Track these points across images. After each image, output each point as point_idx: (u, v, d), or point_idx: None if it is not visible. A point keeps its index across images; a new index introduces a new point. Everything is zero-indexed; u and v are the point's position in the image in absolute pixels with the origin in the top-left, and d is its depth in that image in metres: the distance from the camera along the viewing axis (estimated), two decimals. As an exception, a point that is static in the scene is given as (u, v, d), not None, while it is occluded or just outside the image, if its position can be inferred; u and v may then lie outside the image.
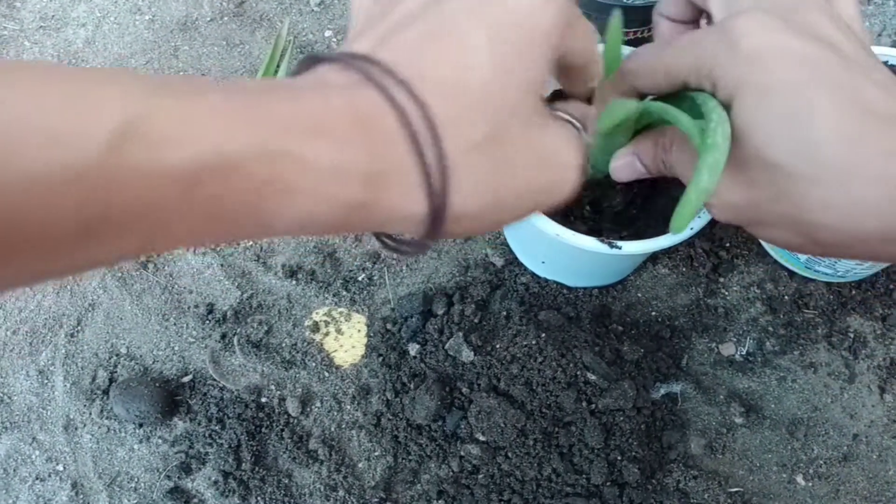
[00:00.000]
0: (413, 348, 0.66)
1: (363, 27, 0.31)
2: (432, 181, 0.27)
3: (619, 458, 0.62)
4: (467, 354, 0.65)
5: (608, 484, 0.61)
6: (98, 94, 0.22)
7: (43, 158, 0.20)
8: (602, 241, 0.53)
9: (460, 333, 0.65)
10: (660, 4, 0.44)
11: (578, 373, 0.63)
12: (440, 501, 0.61)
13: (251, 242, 0.73)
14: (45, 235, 0.21)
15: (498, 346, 0.65)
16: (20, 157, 0.20)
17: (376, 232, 0.32)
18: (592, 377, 0.63)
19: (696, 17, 0.44)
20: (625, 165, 0.42)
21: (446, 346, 0.65)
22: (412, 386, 0.64)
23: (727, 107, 0.34)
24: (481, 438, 0.62)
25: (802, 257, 0.65)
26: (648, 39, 0.67)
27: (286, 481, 0.63)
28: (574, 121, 0.37)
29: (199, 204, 0.23)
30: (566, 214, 0.58)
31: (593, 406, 0.62)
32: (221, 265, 0.72)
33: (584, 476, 0.61)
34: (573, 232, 0.53)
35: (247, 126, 0.24)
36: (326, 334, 0.69)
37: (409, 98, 0.27)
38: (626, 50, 0.59)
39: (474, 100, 0.29)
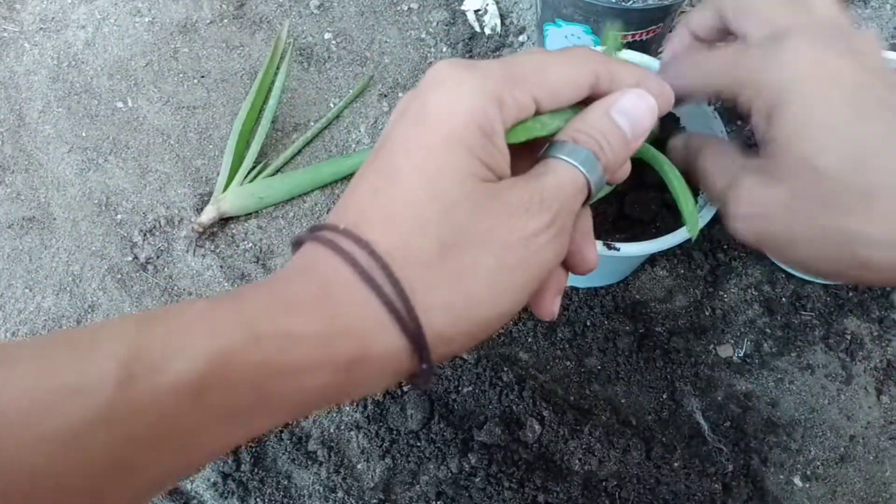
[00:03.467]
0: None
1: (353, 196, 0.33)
2: (406, 326, 0.28)
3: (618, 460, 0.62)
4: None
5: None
6: (95, 343, 0.24)
7: (60, 417, 0.22)
8: (600, 242, 0.53)
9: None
10: (688, 18, 0.45)
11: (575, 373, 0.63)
12: (439, 502, 0.61)
13: (250, 244, 0.73)
14: (73, 484, 0.23)
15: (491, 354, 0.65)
16: (43, 418, 0.22)
17: (383, 386, 0.33)
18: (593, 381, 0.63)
19: (721, 39, 0.44)
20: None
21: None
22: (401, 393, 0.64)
23: (768, 115, 0.35)
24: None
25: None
26: (646, 43, 0.67)
27: (285, 482, 0.63)
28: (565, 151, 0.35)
29: (212, 407, 0.25)
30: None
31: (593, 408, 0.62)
32: (221, 266, 0.72)
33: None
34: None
35: (231, 320, 0.26)
36: (325, 336, 0.69)
37: (353, 242, 0.29)
38: (628, 54, 0.60)
39: (411, 220, 0.30)
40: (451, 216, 0.30)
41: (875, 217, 0.32)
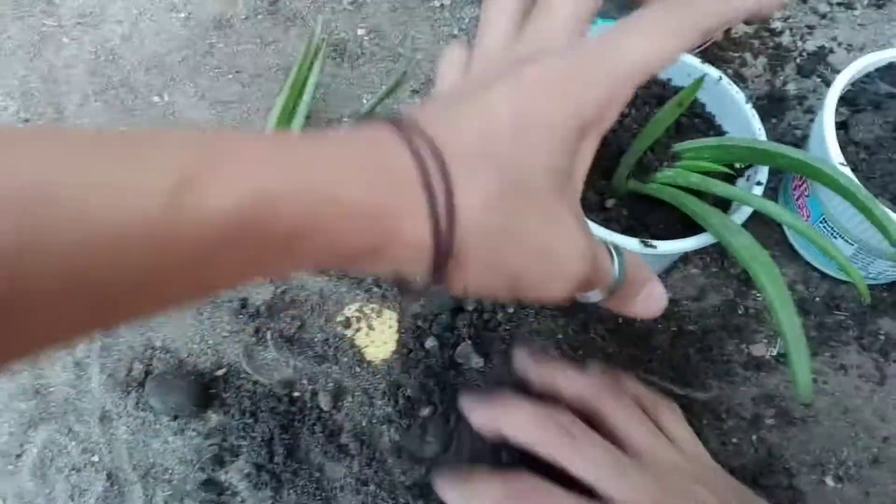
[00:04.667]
0: (431, 343, 0.67)
1: (432, 99, 0.35)
2: (440, 224, 0.30)
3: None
4: (476, 361, 0.65)
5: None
6: (155, 152, 0.25)
7: (113, 213, 0.22)
8: (636, 240, 0.53)
9: (468, 340, 0.66)
10: None
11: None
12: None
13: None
14: (111, 287, 0.23)
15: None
16: (93, 213, 0.22)
17: (396, 275, 0.34)
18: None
19: None
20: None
21: (454, 354, 0.66)
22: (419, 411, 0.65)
23: None
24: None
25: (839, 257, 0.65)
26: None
27: (318, 475, 0.64)
28: (615, 255, 0.39)
29: (244, 246, 0.26)
30: (601, 213, 0.58)
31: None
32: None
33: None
34: (607, 230, 0.53)
35: (284, 168, 0.27)
36: (358, 330, 0.69)
37: (431, 152, 0.30)
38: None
39: (491, 160, 0.31)
40: (521, 176, 0.32)
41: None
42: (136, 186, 0.23)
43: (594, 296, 0.40)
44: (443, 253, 0.30)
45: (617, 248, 0.40)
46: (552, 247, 0.34)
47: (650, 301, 0.42)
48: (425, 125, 0.31)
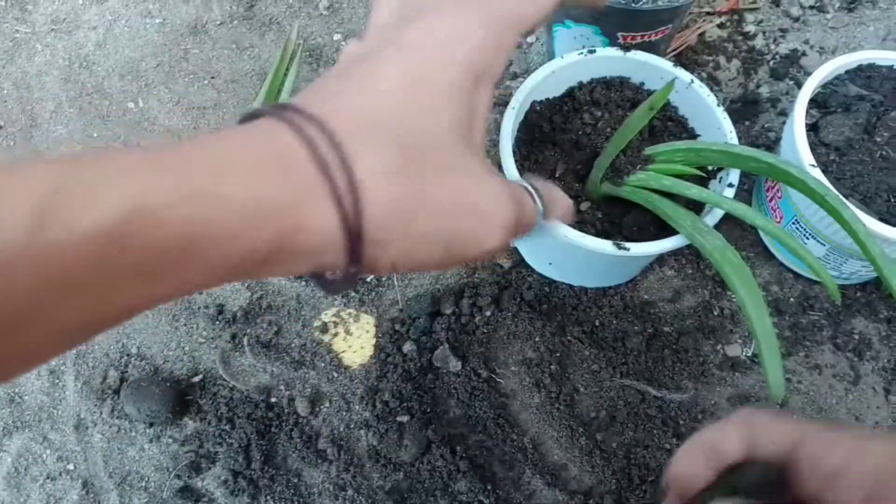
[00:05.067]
0: (408, 348, 0.67)
1: (319, 80, 0.34)
2: (343, 202, 0.28)
3: (626, 463, 0.62)
4: (454, 364, 0.65)
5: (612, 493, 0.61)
6: (12, 181, 0.23)
7: None
8: (610, 242, 0.54)
9: (446, 344, 0.66)
10: (703, 440, 0.37)
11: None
12: (444, 501, 0.62)
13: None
14: None
15: (499, 353, 0.65)
16: None
17: (313, 272, 0.32)
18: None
19: None
20: None
21: (432, 358, 0.66)
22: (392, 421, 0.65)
23: None
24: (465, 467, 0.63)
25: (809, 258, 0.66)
26: (655, 44, 0.67)
27: (295, 481, 0.64)
28: (535, 193, 0.39)
29: (128, 261, 0.24)
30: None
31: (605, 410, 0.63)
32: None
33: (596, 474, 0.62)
34: (581, 233, 0.54)
35: (161, 175, 0.25)
36: (335, 335, 0.69)
37: (319, 130, 0.28)
38: (637, 54, 0.60)
39: (385, 130, 0.30)
40: (421, 139, 0.31)
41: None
42: None
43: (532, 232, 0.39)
44: (355, 235, 0.28)
45: (532, 184, 0.40)
46: (474, 202, 0.32)
47: (566, 218, 0.45)
48: (311, 108, 0.30)
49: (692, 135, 0.62)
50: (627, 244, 0.54)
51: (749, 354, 0.67)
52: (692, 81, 0.60)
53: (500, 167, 0.63)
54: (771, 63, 0.81)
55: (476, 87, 0.34)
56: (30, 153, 0.79)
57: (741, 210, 0.53)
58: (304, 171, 0.28)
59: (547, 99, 0.63)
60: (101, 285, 0.24)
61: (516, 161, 0.56)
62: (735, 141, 0.58)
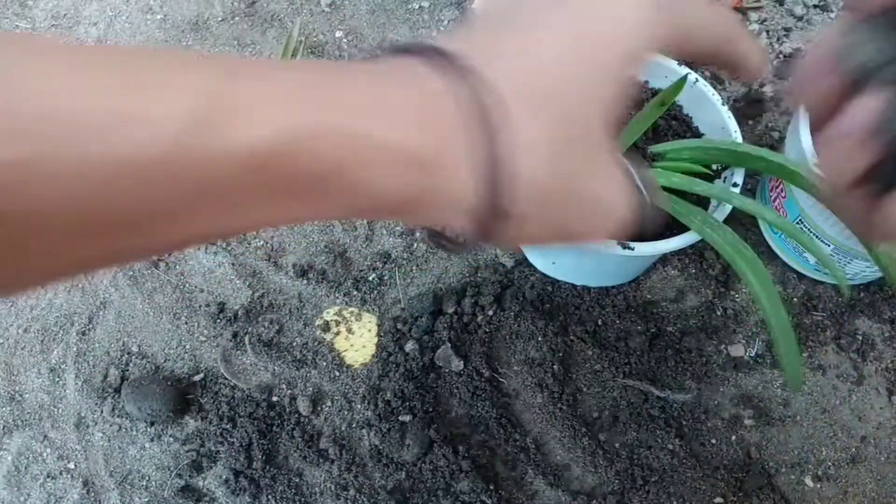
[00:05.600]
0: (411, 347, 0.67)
1: (469, 25, 0.31)
2: (490, 173, 0.26)
3: (629, 464, 0.62)
4: (456, 364, 0.65)
5: (614, 491, 0.61)
6: (171, 78, 0.22)
7: (118, 143, 0.20)
8: (615, 241, 0.53)
9: (448, 343, 0.66)
10: None
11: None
12: (447, 501, 0.62)
13: (261, 241, 0.73)
14: (116, 220, 0.22)
15: (502, 353, 0.65)
16: (96, 142, 0.20)
17: (432, 228, 0.31)
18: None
19: None
20: None
21: (434, 357, 0.66)
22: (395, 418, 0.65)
23: None
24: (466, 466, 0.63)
25: (811, 259, 0.66)
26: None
27: (297, 480, 0.64)
28: (641, 186, 0.36)
29: (268, 185, 0.24)
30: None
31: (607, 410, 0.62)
32: (232, 264, 0.72)
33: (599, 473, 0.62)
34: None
35: (315, 106, 0.24)
36: (337, 334, 0.69)
37: (473, 88, 0.26)
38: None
39: (541, 101, 0.28)
40: (581, 116, 0.29)
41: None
42: (150, 116, 0.21)
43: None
44: (493, 210, 0.27)
45: (639, 173, 0.37)
46: (603, 197, 0.31)
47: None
48: (469, 58, 0.27)
49: (696, 133, 0.62)
50: (632, 243, 0.53)
51: (752, 354, 0.66)
52: (697, 80, 0.60)
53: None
54: (775, 62, 0.81)
55: (625, 70, 0.30)
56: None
57: (751, 205, 0.53)
58: (451, 128, 0.26)
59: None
60: (236, 203, 0.24)
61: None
62: (740, 140, 0.58)
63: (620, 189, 0.31)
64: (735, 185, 0.56)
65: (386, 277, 0.71)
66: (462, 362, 0.65)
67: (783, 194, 0.64)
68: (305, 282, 0.71)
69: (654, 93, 0.59)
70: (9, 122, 0.19)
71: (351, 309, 0.70)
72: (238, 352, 0.68)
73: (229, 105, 0.22)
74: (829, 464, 0.63)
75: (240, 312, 0.70)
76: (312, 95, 0.24)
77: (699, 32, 0.33)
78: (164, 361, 0.69)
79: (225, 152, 0.22)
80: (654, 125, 0.60)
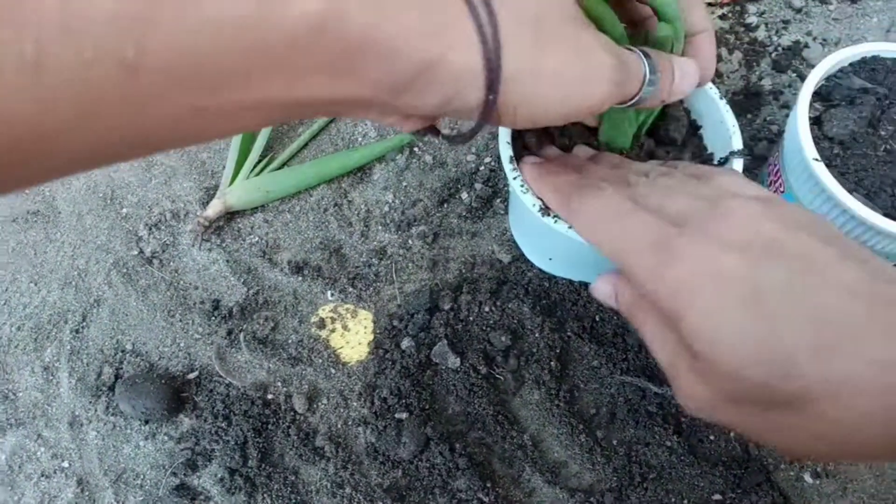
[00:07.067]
0: (407, 344, 0.66)
1: None
2: (486, 39, 0.33)
3: (626, 461, 0.62)
4: (453, 360, 0.65)
5: (614, 489, 0.61)
6: None
7: (216, 9, 0.26)
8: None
9: (444, 340, 0.65)
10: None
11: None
12: (444, 499, 0.61)
13: (256, 238, 0.73)
14: (219, 70, 0.27)
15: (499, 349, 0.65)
16: (209, 5, 0.26)
17: (433, 126, 0.39)
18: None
19: None
20: (602, 289, 0.48)
21: (431, 354, 0.65)
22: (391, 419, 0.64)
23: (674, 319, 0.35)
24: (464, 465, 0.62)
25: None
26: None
27: (293, 478, 0.63)
28: (644, 59, 0.43)
29: (318, 54, 0.29)
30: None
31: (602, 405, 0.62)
32: (227, 261, 0.72)
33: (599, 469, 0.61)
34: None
35: None
36: (333, 331, 0.68)
37: None
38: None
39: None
40: (557, 9, 0.36)
41: (811, 416, 0.31)
42: None
43: (645, 96, 0.43)
44: (495, 68, 0.33)
45: (643, 50, 0.43)
46: (587, 47, 0.37)
47: (685, 81, 0.46)
48: None
49: (694, 127, 0.61)
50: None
51: (751, 350, 0.66)
52: (694, 74, 0.59)
53: (498, 160, 0.62)
54: (773, 55, 0.80)
55: None
56: None
57: None
58: (455, 11, 0.32)
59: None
60: (294, 68, 0.29)
61: (517, 158, 0.55)
62: (738, 133, 0.57)
63: (601, 44, 0.38)
64: None
65: (382, 274, 0.70)
66: (458, 359, 0.65)
67: (781, 188, 0.63)
68: (300, 279, 0.70)
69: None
70: None
71: (346, 306, 0.69)
72: (233, 349, 0.68)
73: None
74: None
75: (234, 310, 0.69)
76: None
77: None
78: (159, 359, 0.68)
79: (285, 21, 0.27)
80: (652, 124, 0.60)
